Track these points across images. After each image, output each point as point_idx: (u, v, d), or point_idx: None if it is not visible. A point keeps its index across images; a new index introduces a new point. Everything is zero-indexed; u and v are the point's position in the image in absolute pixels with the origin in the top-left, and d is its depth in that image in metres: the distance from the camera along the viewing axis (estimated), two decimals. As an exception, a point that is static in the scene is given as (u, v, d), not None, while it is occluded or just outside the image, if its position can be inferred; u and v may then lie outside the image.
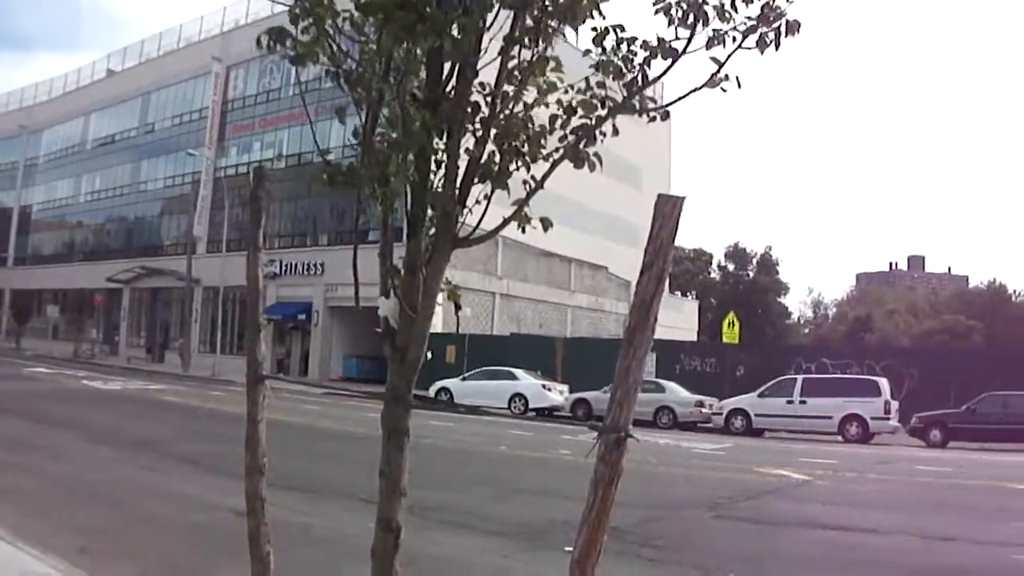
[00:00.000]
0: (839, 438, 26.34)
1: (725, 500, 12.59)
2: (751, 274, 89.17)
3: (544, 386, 31.96)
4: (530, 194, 3.53)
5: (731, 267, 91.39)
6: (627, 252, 57.44)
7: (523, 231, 3.67)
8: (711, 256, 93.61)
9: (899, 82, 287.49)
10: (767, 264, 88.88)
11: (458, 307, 4.03)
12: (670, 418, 28.98)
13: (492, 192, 3.53)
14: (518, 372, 31.85)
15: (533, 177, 3.58)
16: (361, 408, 25.33)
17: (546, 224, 3.50)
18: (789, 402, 27.38)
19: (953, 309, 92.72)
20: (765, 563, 8.78)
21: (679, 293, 75.71)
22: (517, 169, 3.59)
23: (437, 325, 45.19)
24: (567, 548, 9.17)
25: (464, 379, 33.25)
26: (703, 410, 29.29)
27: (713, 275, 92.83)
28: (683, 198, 3.13)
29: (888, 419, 26.42)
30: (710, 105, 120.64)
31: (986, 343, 74.31)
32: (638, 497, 12.70)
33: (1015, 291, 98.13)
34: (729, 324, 39.45)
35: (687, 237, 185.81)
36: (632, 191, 58.12)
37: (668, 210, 3.11)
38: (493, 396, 31.27)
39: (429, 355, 3.62)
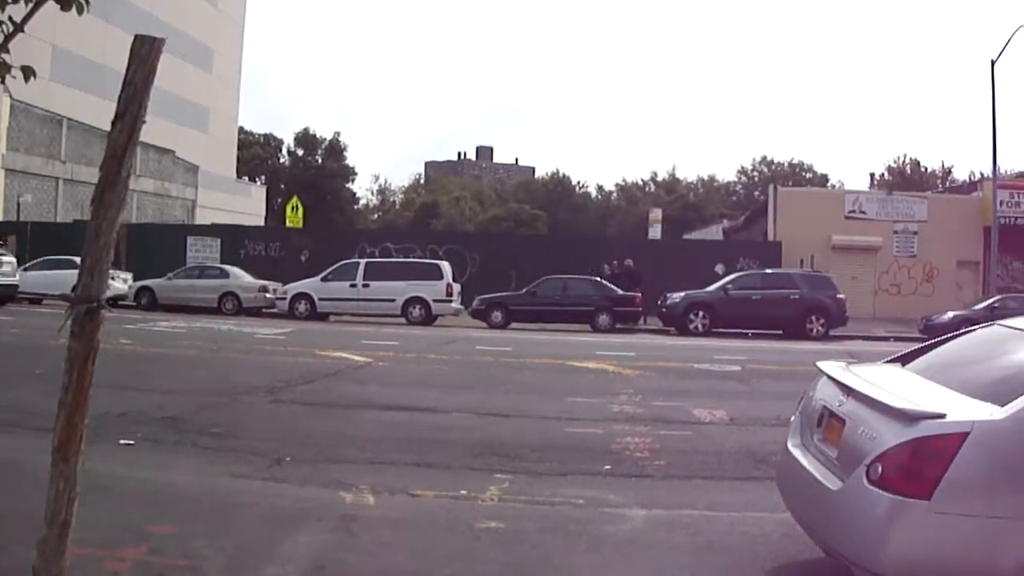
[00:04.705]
0: (403, 321, 27.01)
1: (284, 384, 12.25)
2: (320, 160, 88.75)
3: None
4: (8, 37, 3.28)
5: (300, 152, 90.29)
6: (196, 136, 55.25)
7: (2, 81, 3.46)
8: (281, 141, 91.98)
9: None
10: (335, 150, 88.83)
11: None
12: (235, 304, 28.36)
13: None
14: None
15: (11, 19, 3.30)
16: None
17: (27, 73, 3.35)
18: (352, 286, 27.55)
19: (519, 198, 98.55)
20: (322, 445, 8.55)
21: (247, 178, 73.76)
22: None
23: (-2, 213, 40.96)
24: (122, 441, 8.24)
25: (26, 269, 30.26)
26: (267, 295, 28.73)
27: (283, 160, 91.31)
28: (163, 40, 2.93)
29: (450, 301, 27.50)
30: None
31: (548, 230, 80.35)
32: (196, 384, 12.05)
33: (579, 182, 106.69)
34: (292, 209, 39.03)
35: (256, 122, 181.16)
36: (203, 74, 56.05)
37: (145, 52, 2.88)
38: (56, 286, 28.57)
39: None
